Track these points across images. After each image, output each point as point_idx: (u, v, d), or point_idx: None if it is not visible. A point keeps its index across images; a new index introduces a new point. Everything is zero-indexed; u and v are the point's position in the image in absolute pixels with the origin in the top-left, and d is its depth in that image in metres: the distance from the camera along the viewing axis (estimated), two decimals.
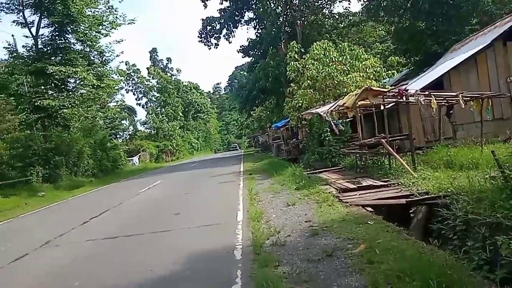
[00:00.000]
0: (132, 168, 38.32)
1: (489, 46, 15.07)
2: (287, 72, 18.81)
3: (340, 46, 17.98)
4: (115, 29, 27.25)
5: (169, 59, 76.43)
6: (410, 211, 7.14)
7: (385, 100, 11.11)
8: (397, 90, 11.08)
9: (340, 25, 35.36)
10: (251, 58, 39.90)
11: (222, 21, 37.26)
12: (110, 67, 29.19)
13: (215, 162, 31.81)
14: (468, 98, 11.50)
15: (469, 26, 23.13)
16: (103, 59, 28.07)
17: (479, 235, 5.09)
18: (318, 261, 4.79)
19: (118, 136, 49.22)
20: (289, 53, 19.35)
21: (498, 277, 4.23)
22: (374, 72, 16.40)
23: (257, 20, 37.62)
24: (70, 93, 25.72)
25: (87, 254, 6.74)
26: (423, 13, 23.62)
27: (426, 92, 11.03)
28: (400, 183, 8.68)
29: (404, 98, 10.72)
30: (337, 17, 35.44)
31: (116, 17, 27.29)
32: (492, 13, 22.23)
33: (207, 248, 6.08)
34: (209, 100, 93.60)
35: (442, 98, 11.71)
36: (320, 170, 13.91)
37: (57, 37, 25.14)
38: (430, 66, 20.39)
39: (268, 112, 41.62)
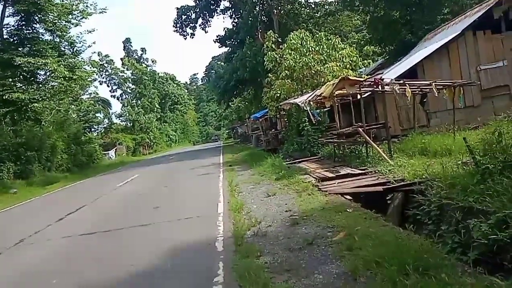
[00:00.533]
0: (109, 162, 37.48)
1: (460, 35, 15.50)
2: (265, 62, 18.73)
3: (317, 35, 18.03)
4: (85, 18, 26.34)
5: (143, 50, 74.70)
6: (387, 198, 7.33)
7: (361, 89, 11.28)
8: (373, 80, 11.25)
9: (316, 14, 35.46)
10: (228, 48, 39.51)
11: (198, 10, 36.67)
12: (82, 58, 28.25)
13: (194, 154, 31.54)
14: (441, 87, 11.81)
15: (441, 16, 23.68)
16: (74, 49, 27.11)
17: (452, 219, 5.28)
18: (299, 250, 4.85)
19: (92, 129, 47.93)
20: (266, 43, 19.23)
21: (470, 258, 4.41)
22: (350, 62, 16.56)
23: (233, 9, 37.20)
24: (41, 85, 24.73)
25: (64, 251, 6.58)
26: (397, 3, 23.99)
27: (401, 81, 11.25)
28: (377, 171, 8.88)
29: (379, 87, 10.91)
30: (313, 6, 35.53)
31: (87, 6, 26.39)
32: (463, 3, 22.85)
33: (188, 241, 6.04)
34: (186, 91, 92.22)
35: (416, 87, 11.98)
36: (299, 160, 14.04)
37: (24, 27, 24.06)
38: (405, 55, 20.80)
39: (246, 103, 41.54)
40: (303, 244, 5.02)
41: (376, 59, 28.65)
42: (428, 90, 12.07)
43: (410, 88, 11.06)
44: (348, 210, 6.35)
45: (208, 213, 7.74)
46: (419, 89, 12.32)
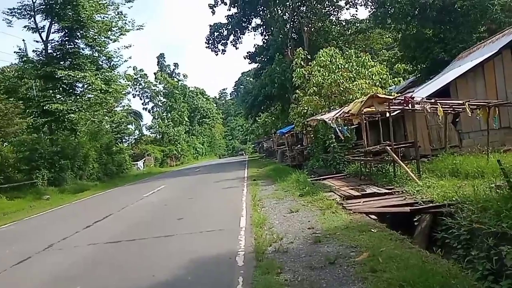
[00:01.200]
0: (137, 172, 38.46)
1: (497, 54, 14.99)
2: (293, 79, 18.85)
3: (347, 53, 18.02)
4: (124, 34, 27.62)
5: (176, 65, 76.97)
6: (414, 220, 7.07)
7: (390, 107, 11.07)
8: (403, 98, 11.05)
9: (346, 32, 35.45)
10: (258, 64, 40.09)
11: (230, 27, 37.56)
12: (117, 72, 29.57)
13: (219, 167, 31.84)
14: (475, 107, 11.40)
15: (476, 34, 23.02)
16: (111, 64, 28.42)
17: (483, 245, 5.02)
18: (321, 269, 4.75)
19: (123, 140, 49.53)
20: (296, 60, 19.39)
21: (502, 287, 4.17)
22: (380, 79, 16.37)
23: (264, 27, 37.87)
24: (78, 97, 25.98)
25: (89, 258, 6.75)
26: (430, 21, 23.56)
27: (432, 100, 10.98)
28: (404, 191, 8.63)
29: (410, 105, 10.70)
30: (344, 24, 35.55)
31: (125, 23, 27.70)
32: (501, 21, 22.12)
33: (209, 254, 6.06)
34: (215, 105, 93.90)
35: (449, 106, 11.64)
36: (324, 176, 13.85)
37: (66, 42, 25.53)
38: (437, 74, 20.30)
39: (273, 118, 41.67)
40: (325, 263, 4.92)
41: (407, 77, 28.14)
42: (461, 109, 11.68)
43: (442, 107, 10.76)
44: (372, 230, 6.18)
45: (231, 227, 7.74)
46: (451, 109, 11.95)
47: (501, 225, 5.04)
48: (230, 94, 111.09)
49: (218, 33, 38.22)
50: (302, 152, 23.86)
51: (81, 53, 25.87)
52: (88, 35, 25.43)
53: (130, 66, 65.98)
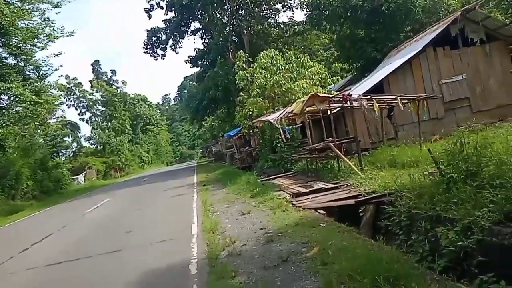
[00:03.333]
0: (78, 187, 36.14)
1: (421, 51, 16.29)
2: (236, 81, 18.92)
3: (287, 54, 18.47)
4: (52, 41, 25.80)
5: (113, 71, 73.40)
6: (360, 211, 7.43)
7: (331, 105, 11.56)
8: (341, 96, 11.57)
9: (285, 34, 36.32)
10: (200, 67, 39.64)
11: (168, 31, 36.69)
12: (48, 82, 27.53)
13: (167, 175, 30.99)
14: (406, 100, 12.29)
15: (403, 34, 24.84)
16: (40, 73, 26.39)
17: (421, 229, 5.41)
18: (274, 268, 4.81)
19: (60, 154, 46.27)
20: (238, 62, 19.50)
21: (440, 266, 4.51)
22: (320, 79, 17.02)
23: (203, 30, 37.54)
24: (4, 110, 23.78)
25: (28, 285, 6.20)
26: (361, 22, 25.02)
27: (368, 96, 11.65)
28: (349, 184, 9.03)
29: (348, 102, 11.23)
30: (282, 26, 36.39)
31: (53, 29, 25.87)
32: (423, 21, 24.13)
33: (161, 265, 5.86)
34: (159, 111, 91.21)
35: (383, 101, 12.40)
36: (273, 176, 14.07)
37: None
38: (371, 72, 21.58)
39: (220, 122, 41.48)
40: (278, 261, 4.99)
41: (345, 76, 29.54)
42: (394, 104, 12.52)
43: (377, 103, 11.44)
44: (321, 224, 6.39)
45: (182, 235, 7.57)
46: (386, 103, 12.75)
47: (435, 209, 5.47)
48: (173, 99, 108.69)
49: (156, 38, 37.16)
50: (251, 154, 24.03)
51: (4, 63, 23.70)
52: (11, 43, 23.38)
53: (62, 75, 61.97)
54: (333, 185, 9.37)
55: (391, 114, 15.34)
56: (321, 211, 7.37)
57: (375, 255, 4.23)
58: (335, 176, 10.52)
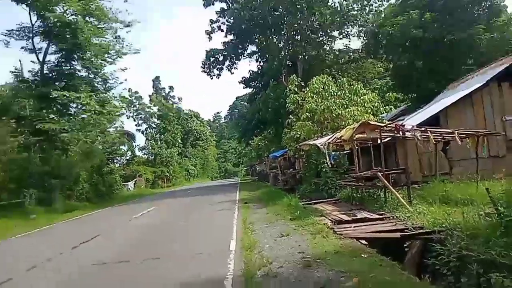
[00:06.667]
0: (127, 193, 37.94)
1: (484, 85, 15.42)
2: (287, 104, 19.13)
3: (340, 81, 18.41)
4: (120, 57, 28.00)
5: (171, 88, 77.47)
6: (405, 246, 7.05)
7: (382, 134, 11.23)
8: (394, 125, 11.24)
9: (340, 60, 36.29)
10: (252, 89, 40.66)
11: (225, 53, 38.25)
12: (112, 94, 29.71)
13: (211, 190, 31.57)
14: (464, 135, 11.63)
15: (465, 67, 23.75)
16: (107, 85, 28.59)
17: (473, 272, 5.02)
18: None
19: (115, 161, 49.01)
20: (290, 86, 19.76)
21: None
22: (372, 107, 16.70)
23: (259, 53, 38.64)
24: (72, 117, 25.95)
25: (74, 281, 6.58)
26: (421, 53, 24.33)
27: (423, 128, 11.19)
28: (395, 217, 8.64)
29: (400, 133, 10.87)
30: (337, 53, 36.43)
31: (122, 47, 28.11)
32: (490, 55, 22.92)
33: (197, 277, 5.95)
34: (209, 128, 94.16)
35: (439, 134, 11.84)
36: (316, 201, 13.82)
37: (63, 64, 25.81)
38: (427, 103, 20.74)
39: (266, 142, 41.83)
40: (314, 287, 4.86)
41: (398, 105, 28.66)
42: (450, 138, 11.89)
43: (432, 135, 10.95)
44: (363, 255, 6.14)
45: (220, 250, 7.63)
46: (441, 137, 12.16)
47: (490, 253, 5.07)
48: (224, 117, 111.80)
49: (214, 58, 38.85)
50: (294, 176, 23.85)
51: (77, 75, 26.09)
52: (85, 57, 25.74)
53: (125, 88, 66.35)
54: (378, 216, 9.02)
55: (447, 148, 14.57)
56: (363, 242, 7.09)
57: None
58: (380, 207, 10.12)
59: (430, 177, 12.64)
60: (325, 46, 36.23)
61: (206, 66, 39.35)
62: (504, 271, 4.47)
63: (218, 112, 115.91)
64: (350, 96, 16.93)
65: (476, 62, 23.57)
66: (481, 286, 4.72)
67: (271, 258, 6.53)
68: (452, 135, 11.31)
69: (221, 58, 38.70)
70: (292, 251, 7.02)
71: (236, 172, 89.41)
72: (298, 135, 17.54)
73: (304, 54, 33.90)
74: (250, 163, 68.81)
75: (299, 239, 7.95)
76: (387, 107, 18.18)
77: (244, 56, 39.01)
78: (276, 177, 29.60)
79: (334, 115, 16.21)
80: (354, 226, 8.33)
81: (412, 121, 15.43)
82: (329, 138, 12.95)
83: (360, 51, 35.01)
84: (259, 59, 39.09)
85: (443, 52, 23.45)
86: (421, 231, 6.99)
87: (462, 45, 22.40)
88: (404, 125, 11.49)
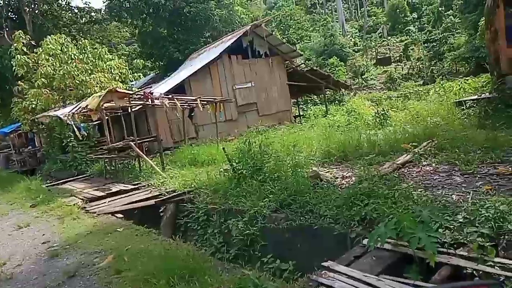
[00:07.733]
0: None
1: (218, 57, 17.67)
2: (14, 67, 15.59)
3: (81, 43, 16.51)
4: None
5: None
6: (160, 211, 7.34)
7: (131, 102, 11.01)
8: (143, 93, 11.21)
9: (80, 20, 32.56)
10: None
11: None
12: None
13: None
14: (205, 102, 13.02)
15: (203, 38, 26.41)
16: None
17: (216, 222, 5.79)
18: (58, 287, 4.13)
19: None
20: (15, 45, 16.06)
21: (231, 255, 4.92)
22: (120, 74, 16.02)
23: None
24: None
25: None
26: (164, 21, 25.14)
27: (170, 96, 11.72)
28: (150, 185, 8.80)
29: (150, 101, 10.97)
30: (76, 11, 32.45)
31: None
32: (220, 30, 26.33)
33: None
34: None
35: (185, 102, 12.76)
36: (64, 180, 12.30)
37: None
38: (173, 71, 21.94)
39: None
40: (63, 278, 4.34)
41: (148, 73, 29.01)
42: (195, 105, 13.06)
43: (179, 103, 11.65)
44: (119, 229, 5.94)
45: None
46: (187, 104, 13.16)
47: (228, 203, 5.96)
48: None
49: None
50: (34, 155, 20.39)
51: None
52: None
53: None
54: (133, 187, 8.94)
55: (192, 114, 16.02)
56: (119, 215, 6.86)
57: (171, 254, 4.20)
58: (136, 177, 10.06)
59: (180, 142, 13.61)
60: (59, 1, 31.48)
61: None
62: (238, 216, 5.37)
63: None
64: (94, 61, 15.53)
65: (212, 35, 26.67)
66: (223, 232, 5.51)
67: (4, 258, 5.35)
68: (196, 102, 12.45)
69: None
70: (34, 243, 6.00)
71: None
72: (33, 106, 14.74)
73: (32, 6, 28.33)
74: None
75: (44, 227, 6.87)
76: (136, 74, 17.92)
77: None
78: (9, 158, 24.44)
79: (77, 81, 14.54)
80: (109, 201, 7.92)
81: (160, 89, 15.94)
82: (74, 108, 11.62)
83: (102, 12, 32.56)
84: None
85: (184, 22, 25.11)
86: (174, 194, 7.42)
87: (199, 18, 24.63)
88: (152, 93, 11.68)
